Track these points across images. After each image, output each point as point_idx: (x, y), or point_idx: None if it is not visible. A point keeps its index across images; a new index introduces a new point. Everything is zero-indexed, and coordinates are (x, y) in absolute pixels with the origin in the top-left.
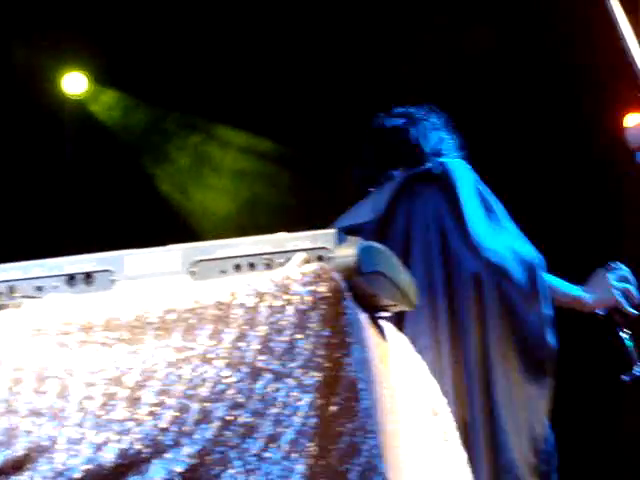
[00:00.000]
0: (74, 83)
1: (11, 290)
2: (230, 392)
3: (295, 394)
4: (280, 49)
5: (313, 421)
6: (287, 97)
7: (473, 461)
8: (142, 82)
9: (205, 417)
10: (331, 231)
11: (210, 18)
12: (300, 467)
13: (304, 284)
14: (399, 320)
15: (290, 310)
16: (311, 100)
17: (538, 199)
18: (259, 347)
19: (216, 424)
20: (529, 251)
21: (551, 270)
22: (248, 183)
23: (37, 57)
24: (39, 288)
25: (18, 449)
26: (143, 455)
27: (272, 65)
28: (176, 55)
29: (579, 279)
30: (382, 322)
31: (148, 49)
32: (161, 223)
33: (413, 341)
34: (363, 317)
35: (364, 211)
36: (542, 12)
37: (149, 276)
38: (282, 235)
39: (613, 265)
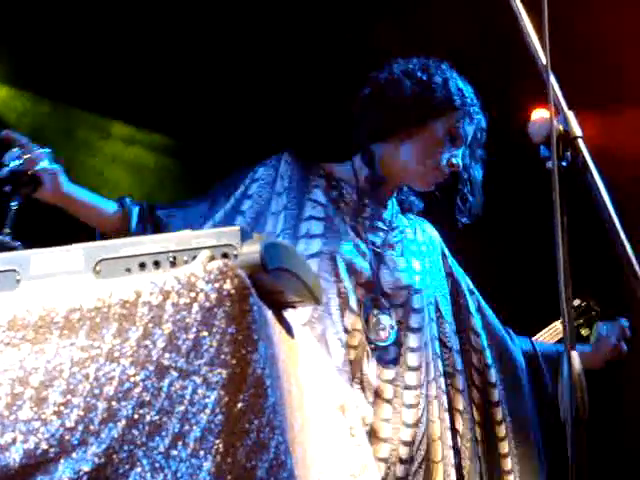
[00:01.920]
0: None
1: None
2: (136, 390)
3: (201, 392)
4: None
5: (220, 418)
6: (183, 93)
7: None
8: (43, 79)
9: (111, 416)
10: (236, 228)
11: (110, 12)
12: (208, 464)
13: (209, 281)
14: None
15: (195, 307)
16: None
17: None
18: (165, 345)
19: (123, 423)
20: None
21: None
22: (147, 178)
23: None
24: None
25: None
26: (50, 455)
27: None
28: (75, 50)
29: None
30: (288, 319)
31: (46, 45)
32: (70, 224)
33: None
34: (269, 314)
35: None
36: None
37: (54, 275)
38: (187, 232)
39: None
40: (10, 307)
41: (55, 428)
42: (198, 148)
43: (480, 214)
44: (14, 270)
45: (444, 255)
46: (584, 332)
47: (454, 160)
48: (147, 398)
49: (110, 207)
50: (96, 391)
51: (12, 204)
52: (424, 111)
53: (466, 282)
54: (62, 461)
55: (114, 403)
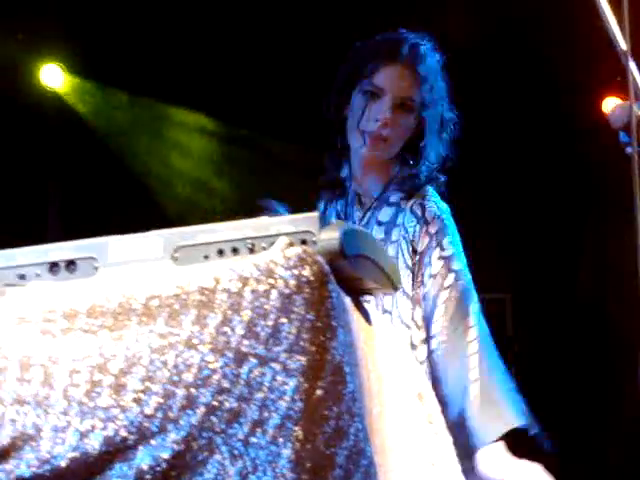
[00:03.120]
0: (52, 75)
1: None
2: (215, 377)
3: (280, 378)
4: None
5: (299, 405)
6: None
7: None
8: (114, 71)
9: (190, 403)
10: (314, 214)
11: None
12: (287, 452)
13: (288, 268)
14: None
15: (274, 294)
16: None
17: (520, 195)
18: (243, 332)
19: (202, 410)
20: None
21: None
22: (216, 166)
23: (14, 50)
24: (22, 276)
25: (3, 438)
26: (129, 442)
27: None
28: (147, 43)
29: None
30: (366, 305)
31: (120, 38)
32: (142, 210)
33: None
34: (347, 300)
35: None
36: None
37: (132, 262)
38: (265, 219)
39: None
40: (89, 294)
41: (134, 415)
42: (267, 137)
43: (453, 162)
44: (92, 257)
45: None
46: None
47: (379, 115)
48: (226, 385)
49: None
50: (175, 378)
51: None
52: (346, 89)
53: None
54: (141, 448)
55: (193, 390)
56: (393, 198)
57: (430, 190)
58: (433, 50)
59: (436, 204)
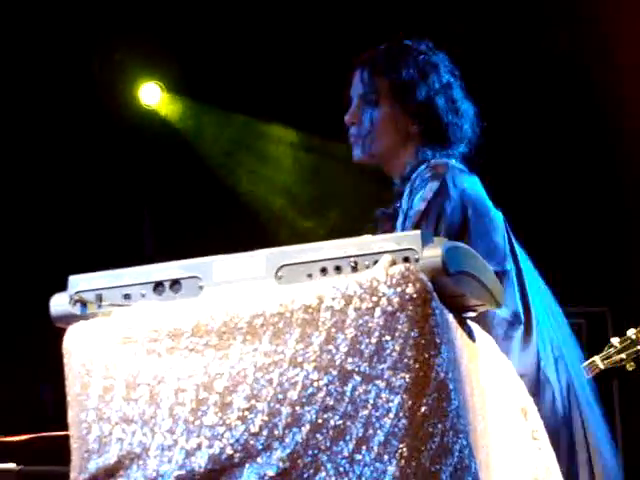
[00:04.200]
0: (150, 94)
1: (99, 298)
2: (320, 395)
3: (385, 396)
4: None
5: (404, 422)
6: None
7: None
8: (212, 89)
9: (295, 421)
10: (416, 232)
11: (274, 26)
12: (392, 469)
13: (391, 286)
14: None
15: (378, 312)
16: None
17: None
18: (348, 349)
19: (307, 427)
20: None
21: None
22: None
23: (114, 69)
24: (127, 296)
25: (110, 456)
26: (235, 460)
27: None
28: (241, 61)
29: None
30: (469, 322)
31: (216, 56)
32: (242, 227)
33: None
34: (451, 317)
35: None
36: None
37: (236, 282)
38: (367, 237)
39: None
40: (194, 313)
41: (240, 433)
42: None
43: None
44: (196, 277)
45: None
46: (629, 367)
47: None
48: (330, 402)
49: None
50: (280, 396)
51: None
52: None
53: None
54: (247, 466)
55: (298, 408)
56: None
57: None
58: (402, 46)
59: (431, 171)
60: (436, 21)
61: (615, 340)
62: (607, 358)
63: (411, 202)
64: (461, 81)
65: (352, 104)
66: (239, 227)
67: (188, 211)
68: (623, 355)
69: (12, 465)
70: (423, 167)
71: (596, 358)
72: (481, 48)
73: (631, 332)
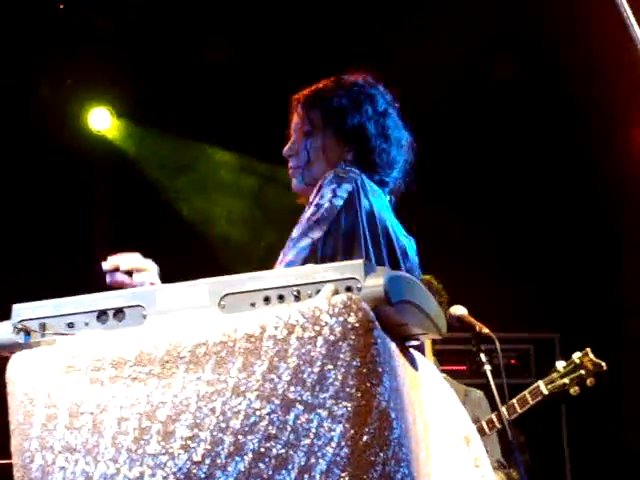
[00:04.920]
0: (100, 119)
1: (43, 327)
2: (262, 424)
3: (327, 425)
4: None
5: (346, 451)
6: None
7: None
8: (162, 114)
9: (238, 449)
10: (359, 262)
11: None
12: None
13: (333, 315)
14: None
15: (320, 341)
16: None
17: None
18: (290, 379)
19: (249, 456)
20: None
21: None
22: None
23: (62, 94)
24: (70, 324)
25: None
26: None
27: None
28: (190, 86)
29: None
30: (412, 350)
31: (164, 83)
32: (190, 254)
33: None
34: (393, 346)
35: None
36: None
37: (179, 310)
38: (310, 267)
39: None
40: (137, 342)
41: (183, 462)
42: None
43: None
44: (140, 305)
45: None
46: (573, 392)
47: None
48: (273, 431)
49: None
50: (223, 425)
51: None
52: None
53: None
54: None
55: (240, 437)
56: None
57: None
58: (336, 79)
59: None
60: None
61: (560, 364)
62: (550, 383)
63: (320, 195)
64: (399, 113)
65: (291, 138)
66: (185, 249)
67: (136, 234)
68: (566, 380)
69: None
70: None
71: (540, 383)
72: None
73: (576, 356)
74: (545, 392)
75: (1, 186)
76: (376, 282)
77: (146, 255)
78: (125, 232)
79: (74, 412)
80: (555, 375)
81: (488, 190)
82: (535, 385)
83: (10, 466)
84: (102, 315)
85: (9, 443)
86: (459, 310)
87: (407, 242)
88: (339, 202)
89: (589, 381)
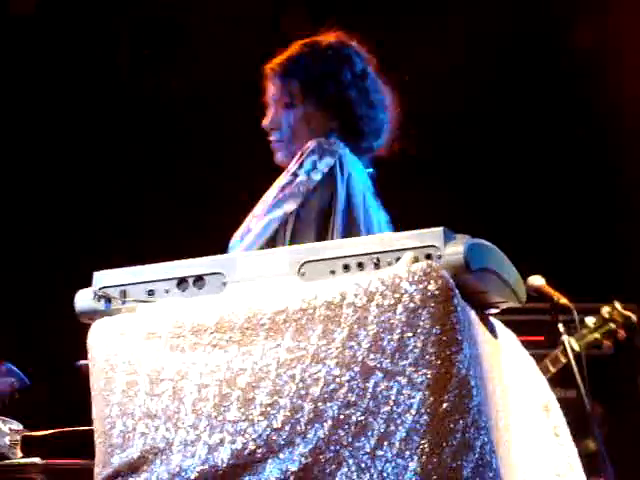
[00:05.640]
0: None
1: (124, 294)
2: (342, 391)
3: (407, 392)
4: None
5: (425, 418)
6: None
7: None
8: None
9: (318, 416)
10: (439, 229)
11: None
12: (413, 465)
13: (413, 282)
14: None
15: (400, 309)
16: None
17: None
18: (370, 346)
19: (329, 423)
20: None
21: None
22: None
23: None
24: (151, 292)
25: (134, 451)
26: (257, 455)
27: None
28: None
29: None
30: (491, 318)
31: None
32: None
33: None
34: (473, 314)
35: None
36: None
37: (259, 278)
38: (390, 234)
39: None
40: (217, 309)
41: (262, 429)
42: None
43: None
44: (220, 273)
45: None
46: (607, 347)
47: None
48: (353, 399)
49: None
50: (302, 392)
51: None
52: None
53: None
54: (269, 461)
55: (320, 404)
56: None
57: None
58: (308, 44)
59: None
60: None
61: (590, 320)
62: (582, 339)
63: (299, 164)
64: (378, 69)
65: (269, 110)
66: None
67: None
68: (597, 335)
69: (37, 459)
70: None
71: (570, 339)
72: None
73: (605, 310)
74: (577, 348)
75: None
76: (456, 250)
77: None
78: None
79: (154, 379)
80: (585, 331)
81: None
82: (566, 342)
83: (91, 432)
84: (182, 282)
85: (90, 410)
86: (537, 280)
87: (383, 218)
88: (317, 176)
89: (620, 334)
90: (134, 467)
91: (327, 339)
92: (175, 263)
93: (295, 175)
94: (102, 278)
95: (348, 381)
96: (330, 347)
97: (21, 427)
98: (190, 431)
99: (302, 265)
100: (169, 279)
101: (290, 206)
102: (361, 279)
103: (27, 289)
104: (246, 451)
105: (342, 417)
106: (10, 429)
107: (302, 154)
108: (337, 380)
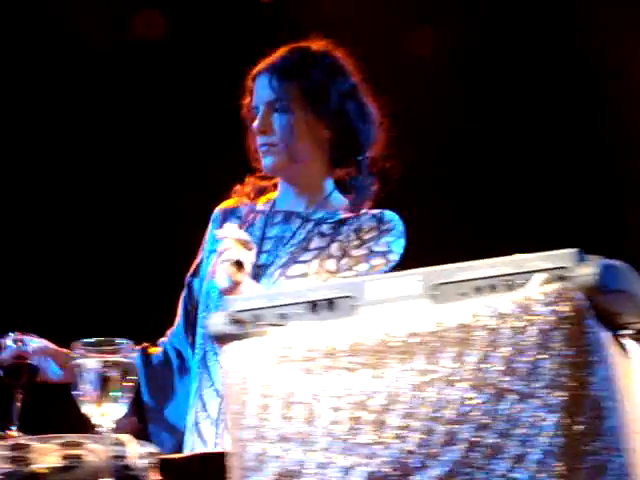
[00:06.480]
0: None
1: (256, 318)
2: (475, 413)
3: (540, 414)
4: None
5: (559, 440)
6: None
7: None
8: None
9: (451, 439)
10: (571, 250)
11: None
12: None
13: (546, 304)
14: None
15: (532, 330)
16: None
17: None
18: (502, 368)
19: (462, 446)
20: None
21: None
22: None
23: None
24: (283, 315)
25: (268, 474)
26: (391, 478)
27: None
28: None
29: None
30: (624, 340)
31: None
32: None
33: None
34: (606, 335)
35: None
36: None
37: (390, 301)
38: (522, 256)
39: None
40: (350, 332)
41: (395, 451)
42: None
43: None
44: (350, 296)
45: None
46: None
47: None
48: (486, 421)
49: None
50: (435, 414)
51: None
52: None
53: None
54: None
55: (453, 426)
56: None
57: None
58: (304, 48)
59: None
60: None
61: None
62: None
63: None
64: (365, 80)
65: (258, 113)
66: None
67: None
68: None
69: None
70: (378, 214)
71: None
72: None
73: None
74: None
75: None
76: (589, 270)
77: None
78: None
79: (288, 402)
80: None
81: None
82: None
83: (225, 456)
84: (314, 306)
85: None
86: None
87: None
88: (394, 258)
89: None
90: None
91: (460, 361)
92: (305, 287)
93: (376, 256)
94: (234, 302)
95: (482, 403)
96: (462, 369)
97: (158, 449)
98: (323, 454)
99: (433, 287)
100: (301, 303)
101: None
102: (493, 301)
103: None
104: (380, 474)
105: (475, 439)
106: (147, 452)
107: (375, 229)
108: (469, 402)
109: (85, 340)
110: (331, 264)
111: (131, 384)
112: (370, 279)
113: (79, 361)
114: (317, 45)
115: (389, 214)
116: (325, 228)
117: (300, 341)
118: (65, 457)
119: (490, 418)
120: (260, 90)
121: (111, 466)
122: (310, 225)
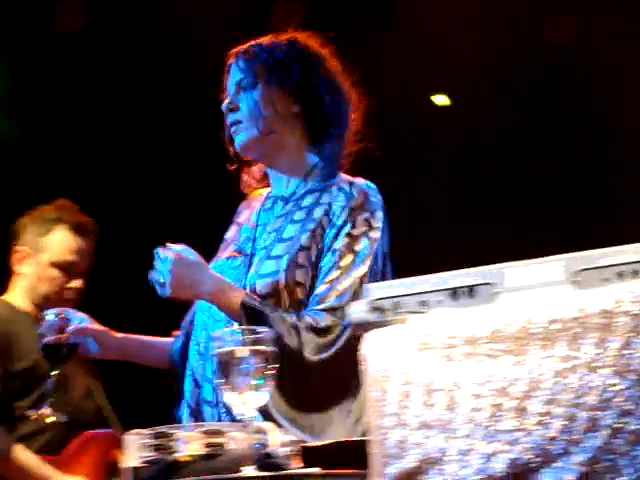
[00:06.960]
0: None
1: (396, 306)
2: (618, 400)
3: None
4: None
5: None
6: None
7: None
8: None
9: (593, 425)
10: None
11: None
12: None
13: None
14: None
15: None
16: None
17: None
18: None
19: (605, 432)
20: None
21: None
22: None
23: None
24: (423, 303)
25: (410, 461)
26: (532, 465)
27: None
28: None
29: None
30: None
31: None
32: None
33: None
34: None
35: None
36: None
37: (530, 287)
38: None
39: None
40: (490, 319)
41: (537, 438)
42: None
43: None
44: (489, 283)
45: None
46: None
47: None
48: (629, 407)
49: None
50: (577, 401)
51: (51, 374)
52: None
53: None
54: (545, 471)
55: (595, 413)
56: None
57: None
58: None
59: None
60: None
61: None
62: None
63: (351, 222)
64: (341, 66)
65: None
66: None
67: None
68: None
69: (317, 469)
70: (346, 188)
71: None
72: None
73: None
74: None
75: None
76: None
77: None
78: None
79: (429, 389)
80: None
81: None
82: None
83: (363, 443)
84: (454, 293)
85: None
86: None
87: None
88: (376, 234)
89: None
90: (409, 477)
91: (602, 347)
92: (445, 274)
93: (353, 238)
94: (374, 290)
95: (625, 389)
96: (604, 356)
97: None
98: (465, 441)
99: (576, 273)
100: (441, 290)
101: (361, 271)
102: (636, 287)
103: None
104: (521, 461)
105: (618, 426)
106: (289, 440)
107: (352, 208)
108: (612, 389)
109: (228, 329)
110: (302, 257)
111: (272, 372)
112: (509, 266)
113: (223, 350)
114: (286, 35)
115: (358, 186)
116: (296, 207)
117: (440, 328)
118: (208, 445)
119: (633, 404)
120: (230, 76)
121: (253, 454)
122: (289, 206)
